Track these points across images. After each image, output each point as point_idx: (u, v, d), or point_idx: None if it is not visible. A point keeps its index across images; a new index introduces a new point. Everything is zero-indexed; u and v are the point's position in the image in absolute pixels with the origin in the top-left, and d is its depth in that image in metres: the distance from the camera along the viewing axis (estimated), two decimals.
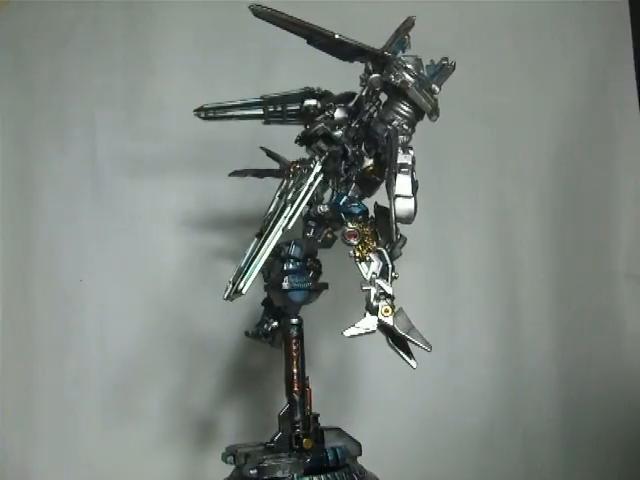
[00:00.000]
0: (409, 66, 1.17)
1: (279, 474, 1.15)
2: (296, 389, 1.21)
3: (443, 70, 1.18)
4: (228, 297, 1.19)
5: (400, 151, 1.14)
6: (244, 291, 1.16)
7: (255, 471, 1.15)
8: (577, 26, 1.95)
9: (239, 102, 1.31)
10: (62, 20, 1.78)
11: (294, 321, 1.24)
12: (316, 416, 1.24)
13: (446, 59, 1.18)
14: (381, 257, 1.17)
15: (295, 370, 1.22)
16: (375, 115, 1.21)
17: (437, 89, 1.17)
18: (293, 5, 1.70)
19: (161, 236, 1.77)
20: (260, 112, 1.30)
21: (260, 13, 1.11)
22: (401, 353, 1.17)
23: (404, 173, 1.12)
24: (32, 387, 1.74)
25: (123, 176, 1.77)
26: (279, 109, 1.28)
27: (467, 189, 1.87)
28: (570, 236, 1.92)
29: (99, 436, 1.74)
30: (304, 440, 1.19)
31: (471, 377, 1.86)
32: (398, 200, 1.10)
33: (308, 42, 1.17)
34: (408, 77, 1.16)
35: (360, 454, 1.24)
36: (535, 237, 1.92)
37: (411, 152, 1.14)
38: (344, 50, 1.17)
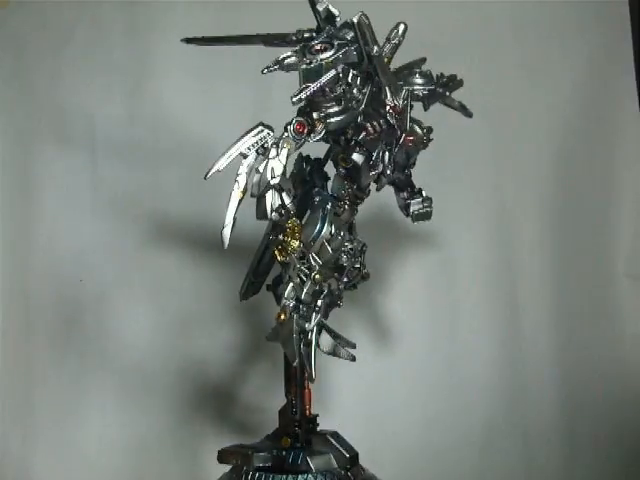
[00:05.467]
0: (336, 42, 1.06)
1: (233, 462, 1.18)
2: (292, 390, 1.20)
3: (352, 27, 1.05)
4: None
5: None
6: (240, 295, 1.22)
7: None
8: (577, 26, 1.95)
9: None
10: (62, 20, 1.79)
11: None
12: (314, 417, 1.22)
13: (361, 12, 1.04)
14: (299, 257, 1.09)
15: (290, 371, 1.21)
16: None
17: (374, 49, 1.05)
18: (296, 5, 1.72)
19: (161, 236, 1.77)
20: None
21: (193, 41, 1.16)
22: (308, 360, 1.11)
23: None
24: (32, 387, 1.74)
25: (123, 176, 1.77)
26: None
27: (467, 189, 1.87)
28: (570, 236, 1.92)
29: (99, 436, 1.74)
30: (282, 438, 1.19)
31: (471, 377, 1.86)
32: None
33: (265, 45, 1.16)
34: (294, 59, 1.07)
35: (346, 466, 1.16)
36: (535, 237, 1.92)
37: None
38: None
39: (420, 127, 1.19)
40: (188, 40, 1.16)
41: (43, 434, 1.73)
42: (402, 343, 1.81)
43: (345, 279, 1.20)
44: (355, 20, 1.03)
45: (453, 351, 1.86)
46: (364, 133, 1.10)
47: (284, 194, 1.05)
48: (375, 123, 1.11)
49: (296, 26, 1.12)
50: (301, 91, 1.02)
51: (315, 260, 1.10)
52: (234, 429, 1.73)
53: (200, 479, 1.72)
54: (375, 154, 1.12)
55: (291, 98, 1.01)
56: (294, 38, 1.10)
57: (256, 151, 1.04)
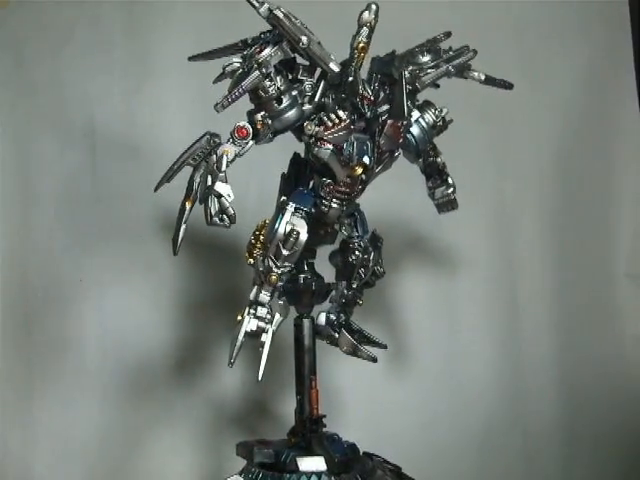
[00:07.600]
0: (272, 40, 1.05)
1: (242, 455, 1.21)
2: (299, 390, 1.21)
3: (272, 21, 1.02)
4: None
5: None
6: None
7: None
8: (577, 26, 1.95)
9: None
10: (62, 20, 1.78)
11: (298, 322, 1.23)
12: (319, 418, 1.21)
13: (277, 7, 1.03)
14: (261, 258, 1.07)
15: (300, 371, 1.22)
16: None
17: (302, 40, 1.01)
18: (295, 5, 1.72)
19: (160, 236, 1.77)
20: None
21: (197, 58, 1.16)
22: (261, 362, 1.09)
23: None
24: (32, 387, 1.74)
25: (123, 176, 1.77)
26: None
27: (467, 189, 1.86)
28: (570, 236, 1.92)
29: (99, 435, 1.74)
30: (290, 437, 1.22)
31: (471, 377, 1.86)
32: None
33: None
34: (236, 65, 1.07)
35: (333, 470, 1.15)
36: (535, 237, 1.92)
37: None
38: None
39: (433, 110, 1.17)
40: (191, 58, 1.16)
41: (43, 434, 1.73)
42: (402, 343, 1.81)
43: (357, 276, 1.19)
44: (270, 16, 1.02)
45: (453, 351, 1.86)
46: (322, 127, 1.07)
47: (222, 199, 1.04)
48: (333, 116, 1.08)
49: None
50: (224, 98, 1.01)
51: (273, 261, 1.06)
52: (235, 432, 1.73)
53: (202, 478, 1.72)
54: (348, 146, 1.08)
55: (215, 107, 1.01)
56: (240, 44, 1.08)
57: (204, 160, 1.04)
